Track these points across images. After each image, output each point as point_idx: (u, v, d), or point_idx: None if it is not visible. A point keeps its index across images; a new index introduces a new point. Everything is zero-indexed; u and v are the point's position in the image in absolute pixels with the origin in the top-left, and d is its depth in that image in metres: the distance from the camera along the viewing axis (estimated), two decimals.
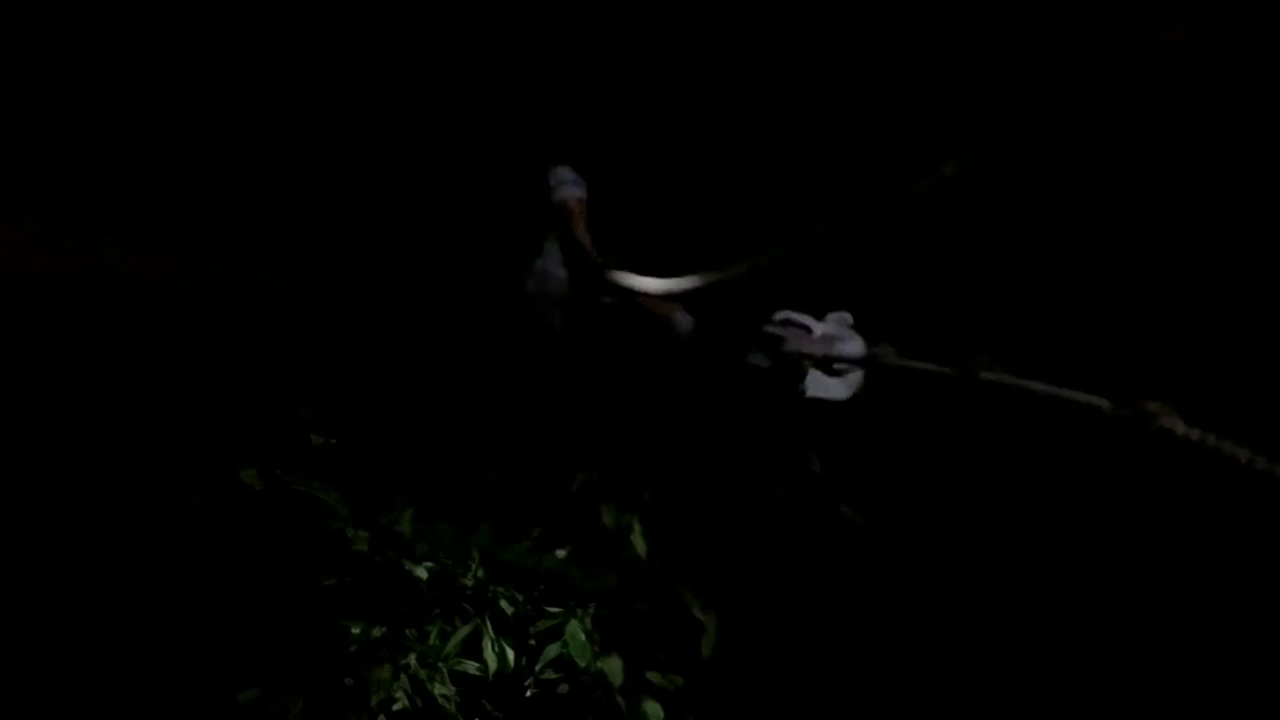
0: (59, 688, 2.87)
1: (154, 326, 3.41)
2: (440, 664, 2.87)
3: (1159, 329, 3.31)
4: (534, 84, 3.85)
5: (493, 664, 2.91)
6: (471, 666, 2.90)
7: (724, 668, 3.06)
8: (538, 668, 2.92)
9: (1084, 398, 1.86)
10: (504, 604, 2.99)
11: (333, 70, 3.81)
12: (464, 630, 2.93)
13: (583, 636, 2.93)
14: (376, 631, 2.89)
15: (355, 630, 2.88)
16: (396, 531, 3.02)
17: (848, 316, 2.79)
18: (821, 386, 2.77)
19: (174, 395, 3.27)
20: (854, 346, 2.79)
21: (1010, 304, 3.47)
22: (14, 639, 2.90)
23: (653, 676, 2.98)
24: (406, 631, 2.91)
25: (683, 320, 3.03)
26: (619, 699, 2.89)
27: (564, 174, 3.35)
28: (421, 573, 2.97)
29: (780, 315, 2.87)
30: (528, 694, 2.93)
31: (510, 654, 2.93)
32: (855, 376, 2.77)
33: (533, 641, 2.96)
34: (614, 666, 2.90)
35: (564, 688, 2.93)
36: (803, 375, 2.71)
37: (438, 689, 2.85)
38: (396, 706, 2.81)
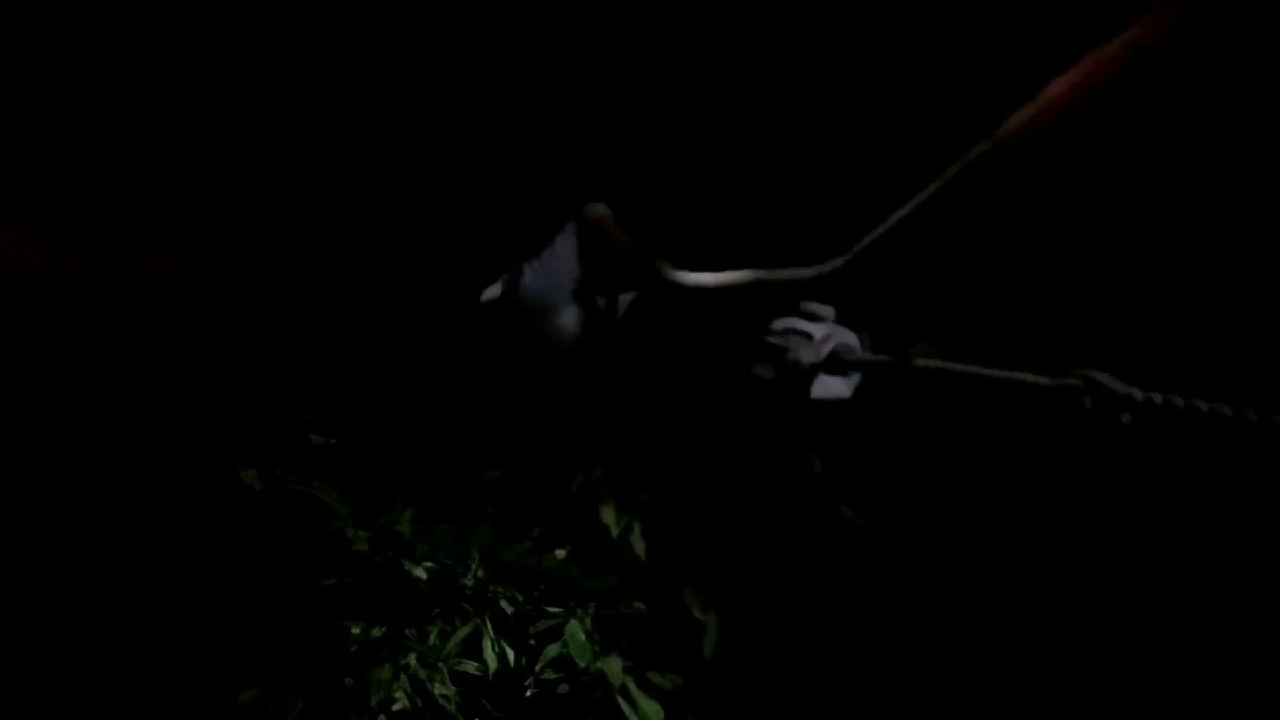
0: (59, 688, 2.87)
1: (154, 326, 3.41)
2: (440, 664, 2.87)
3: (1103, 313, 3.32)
4: (535, 88, 3.85)
5: (493, 664, 2.91)
6: (471, 666, 2.90)
7: (724, 668, 3.06)
8: (538, 668, 2.92)
9: (1032, 377, 1.87)
10: (504, 604, 2.99)
11: (333, 71, 3.81)
12: (464, 630, 2.93)
13: (583, 636, 2.93)
14: (376, 631, 2.89)
15: (355, 630, 2.88)
16: (396, 531, 3.02)
17: (831, 310, 2.81)
18: (824, 387, 2.78)
19: (174, 395, 3.27)
20: (849, 340, 2.81)
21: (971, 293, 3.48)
22: (14, 639, 2.90)
23: (653, 676, 2.98)
24: (406, 631, 2.91)
25: (668, 267, 3.04)
26: (619, 699, 2.89)
27: (595, 206, 3.40)
28: (421, 573, 2.97)
29: (780, 324, 2.88)
30: (528, 694, 2.93)
31: (510, 654, 2.93)
32: (855, 374, 2.79)
33: (533, 641, 2.96)
34: (614, 666, 2.90)
35: (564, 688, 2.93)
36: (808, 383, 2.72)
37: (438, 689, 2.85)
38: (396, 706, 2.80)
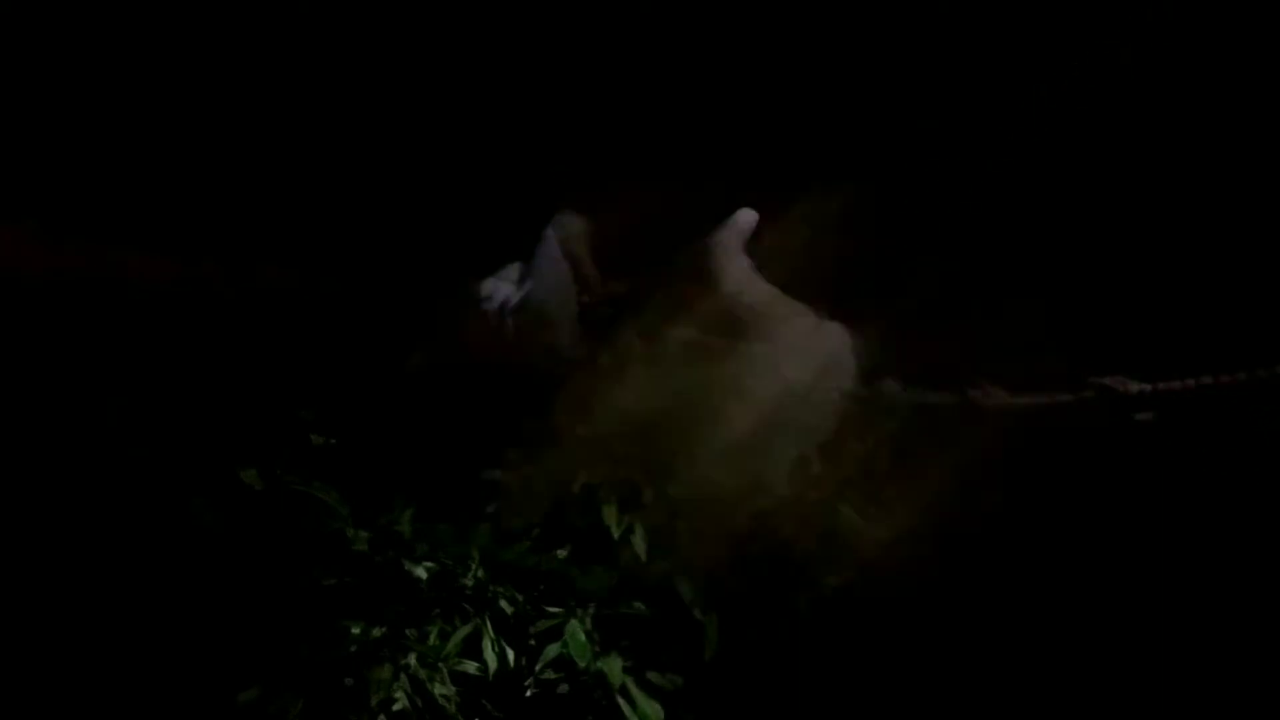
0: (60, 687, 2.87)
1: (154, 326, 3.41)
2: (440, 664, 2.87)
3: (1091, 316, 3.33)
4: (533, 89, 3.85)
5: (493, 664, 2.91)
6: (471, 666, 2.90)
7: (724, 668, 3.06)
8: (538, 668, 2.92)
9: (1046, 397, 1.91)
10: (504, 604, 2.99)
11: (333, 72, 3.81)
12: (464, 630, 2.92)
13: (583, 636, 2.93)
14: (376, 631, 2.89)
15: (355, 630, 2.88)
16: (396, 531, 3.02)
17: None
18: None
19: (174, 395, 3.27)
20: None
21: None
22: (15, 639, 2.90)
23: (653, 676, 2.97)
24: (406, 631, 2.90)
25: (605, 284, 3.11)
26: (619, 699, 2.89)
27: (567, 219, 3.44)
28: (421, 573, 2.97)
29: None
30: (528, 694, 2.93)
31: (510, 654, 2.93)
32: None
33: (533, 641, 2.96)
34: (614, 666, 2.90)
35: (564, 688, 2.93)
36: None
37: (438, 689, 2.85)
38: (396, 706, 2.80)
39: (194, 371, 3.34)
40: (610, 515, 3.10)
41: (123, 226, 3.52)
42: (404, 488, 3.13)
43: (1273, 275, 3.25)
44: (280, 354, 3.38)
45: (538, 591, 3.04)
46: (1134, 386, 1.76)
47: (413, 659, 2.86)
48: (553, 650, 2.92)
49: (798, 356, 2.94)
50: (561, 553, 3.10)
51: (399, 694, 2.81)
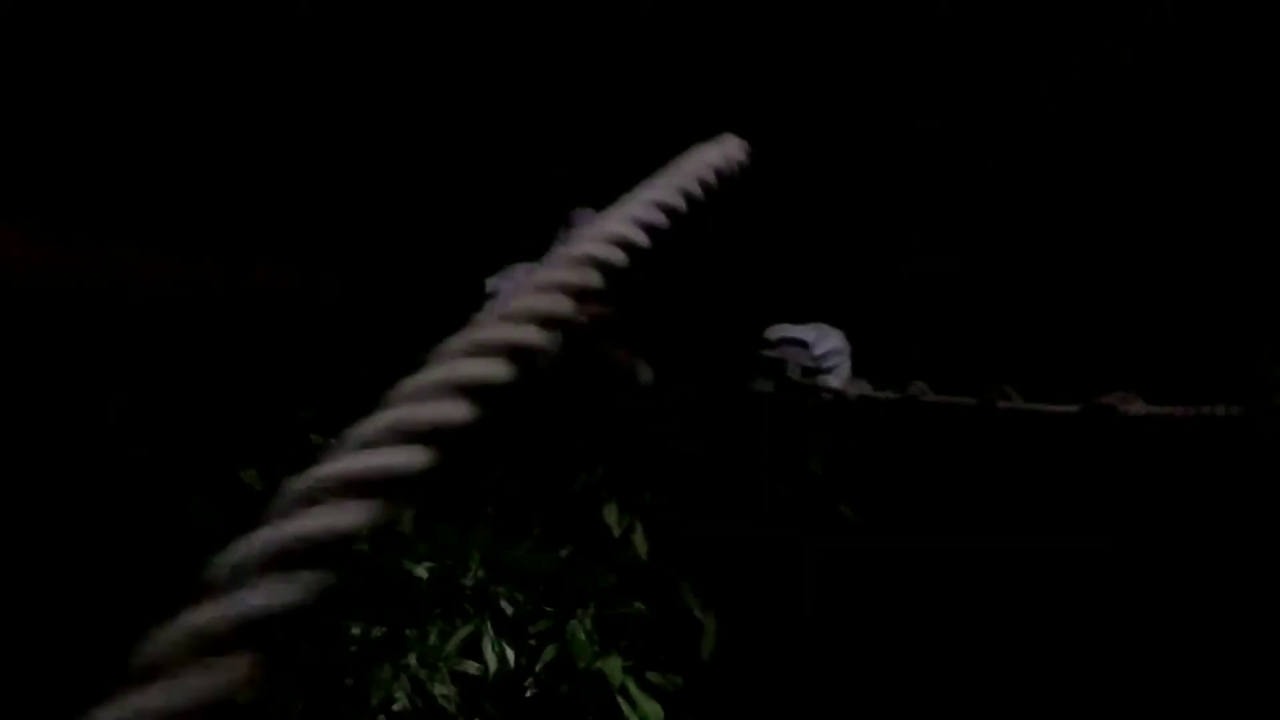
0: (60, 687, 2.87)
1: (154, 326, 3.41)
2: (440, 664, 2.87)
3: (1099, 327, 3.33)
4: (532, 89, 3.85)
5: (493, 664, 2.91)
6: (471, 666, 2.90)
7: (724, 668, 3.06)
8: (538, 668, 2.92)
9: (1055, 408, 1.92)
10: (504, 604, 2.99)
11: (333, 73, 3.81)
12: (464, 630, 2.92)
13: (583, 636, 2.93)
14: (376, 631, 2.89)
15: (355, 630, 2.88)
16: (397, 531, 3.02)
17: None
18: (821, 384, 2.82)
19: (174, 395, 3.27)
20: (836, 343, 2.85)
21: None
22: (14, 638, 2.90)
23: (653, 676, 2.97)
24: (406, 631, 2.90)
25: (644, 372, 3.11)
26: (619, 699, 2.89)
27: (585, 216, 3.40)
28: (421, 573, 2.97)
29: (774, 334, 2.91)
30: (528, 694, 2.93)
31: (510, 654, 2.93)
32: (845, 368, 2.83)
33: (533, 641, 2.96)
34: (614, 666, 2.90)
35: (564, 688, 2.93)
36: (813, 391, 2.77)
37: (438, 689, 2.85)
38: (396, 706, 2.80)
39: (194, 371, 3.34)
40: (610, 515, 3.10)
41: (123, 226, 3.52)
42: None
43: (1273, 275, 3.25)
44: (280, 354, 3.38)
45: (538, 591, 3.03)
46: (1136, 408, 1.75)
47: (413, 659, 2.86)
48: (552, 650, 2.92)
49: None
50: (561, 553, 3.10)
51: (399, 694, 2.81)
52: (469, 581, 2.99)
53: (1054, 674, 3.18)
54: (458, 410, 0.70)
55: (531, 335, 0.75)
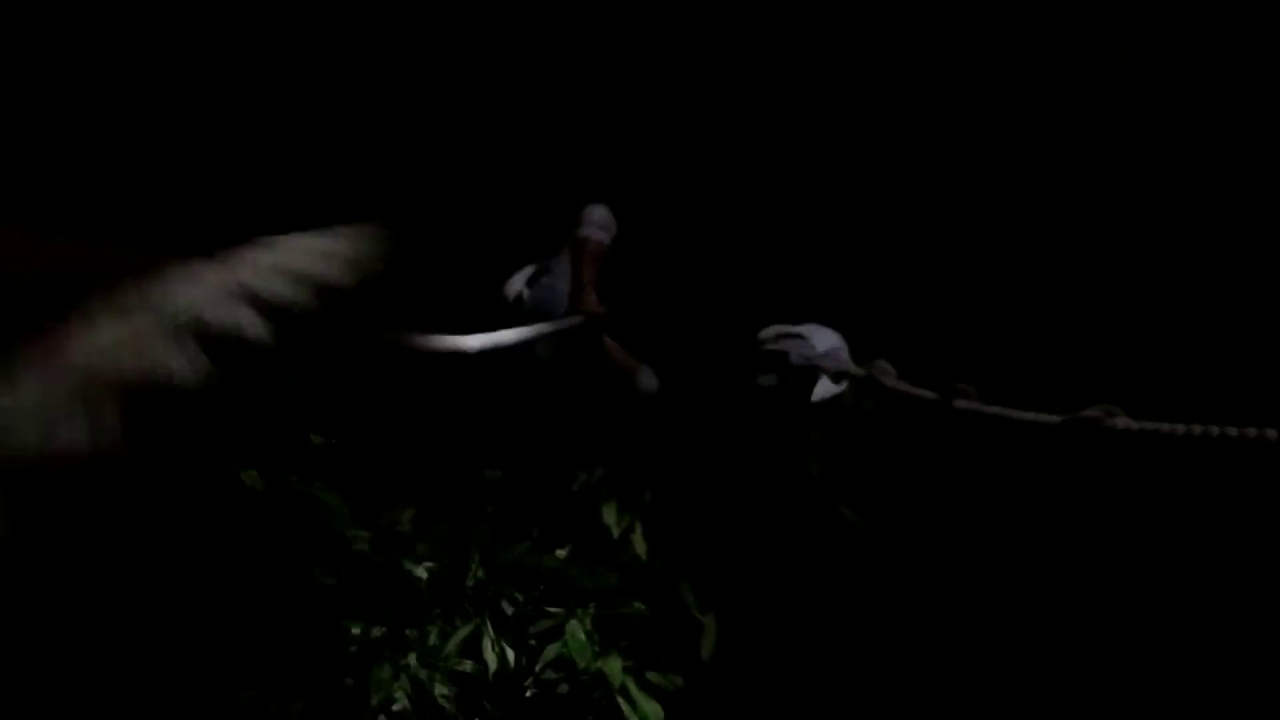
0: (61, 687, 2.87)
1: None
2: (440, 664, 2.86)
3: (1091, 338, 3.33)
4: (534, 90, 3.85)
5: (493, 664, 2.91)
6: (471, 666, 2.90)
7: (724, 668, 3.06)
8: (538, 668, 2.92)
9: (1035, 416, 1.92)
10: (504, 604, 2.99)
11: (334, 73, 3.81)
12: (464, 630, 2.92)
13: (583, 636, 2.93)
14: (376, 631, 2.89)
15: (355, 630, 2.88)
16: (396, 531, 3.02)
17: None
18: (823, 389, 2.82)
19: (173, 395, 3.26)
20: (833, 342, 2.86)
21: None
22: (15, 638, 2.89)
23: (653, 676, 2.97)
24: (406, 631, 2.90)
25: (647, 378, 3.12)
26: (619, 699, 2.89)
27: (598, 214, 3.39)
28: (421, 573, 2.96)
29: (773, 331, 2.92)
30: (528, 694, 2.93)
31: (510, 654, 2.93)
32: (845, 363, 2.85)
33: (533, 641, 2.96)
34: (614, 666, 2.90)
35: (564, 688, 2.93)
36: (813, 383, 2.77)
37: (438, 689, 2.84)
38: (396, 706, 2.80)
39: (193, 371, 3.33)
40: (610, 515, 3.10)
41: (123, 226, 3.52)
42: (404, 488, 3.13)
43: (1273, 273, 3.25)
44: (280, 353, 3.37)
45: (538, 591, 3.03)
46: (1120, 422, 1.75)
47: (413, 659, 2.86)
48: (553, 650, 2.92)
49: None
50: (561, 553, 3.10)
51: (399, 694, 2.81)
52: (469, 581, 2.99)
53: (1054, 674, 3.18)
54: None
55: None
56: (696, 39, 3.80)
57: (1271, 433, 1.49)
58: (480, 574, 3.00)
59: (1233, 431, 1.55)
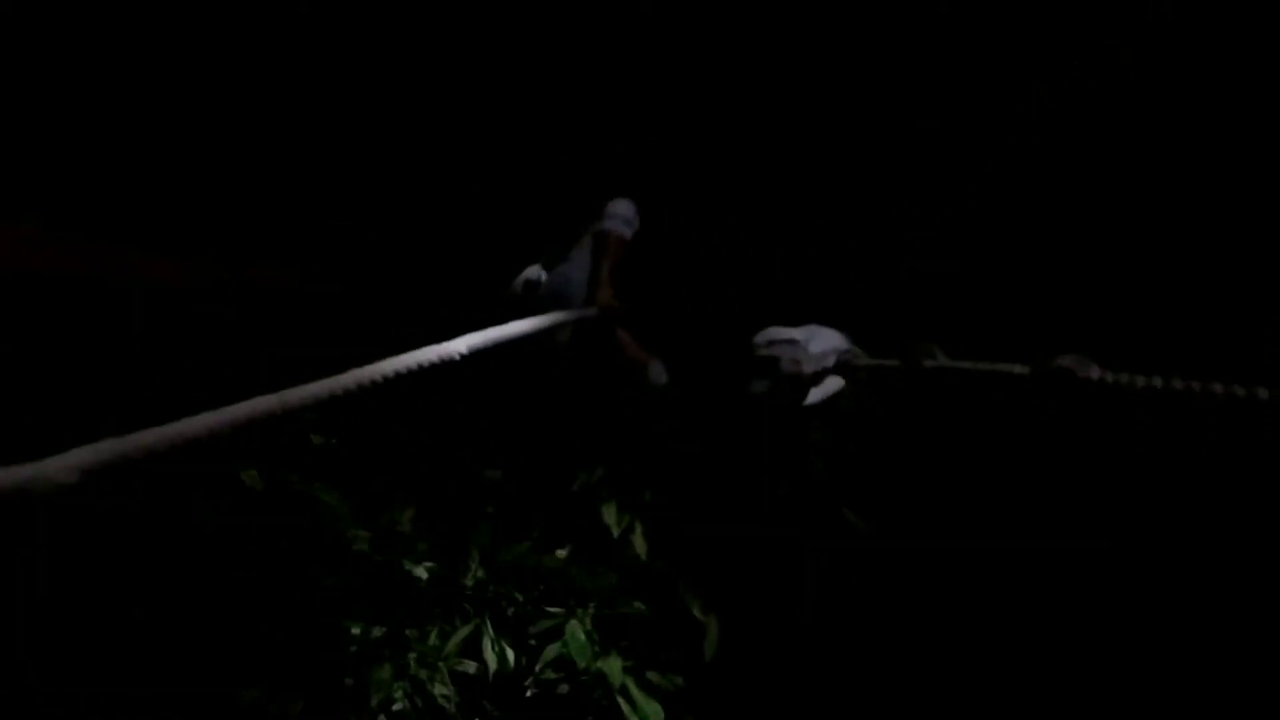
0: (61, 687, 2.87)
1: (154, 326, 3.41)
2: (440, 664, 2.86)
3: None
4: (530, 87, 3.85)
5: (493, 664, 2.91)
6: (471, 666, 2.90)
7: (724, 668, 3.06)
8: (538, 668, 2.92)
9: (1007, 367, 1.91)
10: (504, 604, 2.99)
11: (333, 73, 3.81)
12: (464, 630, 2.92)
13: (583, 636, 2.92)
14: (376, 631, 2.89)
15: (355, 630, 2.88)
16: (396, 531, 3.02)
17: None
18: (818, 391, 2.82)
19: (174, 395, 3.27)
20: (834, 341, 2.85)
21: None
22: (15, 638, 2.89)
23: (653, 676, 2.97)
24: (406, 631, 2.90)
25: (657, 372, 3.12)
26: (619, 699, 2.89)
27: (622, 207, 3.40)
28: (421, 573, 2.97)
29: (766, 336, 2.92)
30: (528, 694, 2.93)
31: (510, 654, 2.93)
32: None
33: (533, 641, 2.96)
34: (614, 666, 2.90)
35: (564, 688, 2.93)
36: (805, 389, 2.77)
37: (438, 689, 2.84)
38: (396, 706, 2.80)
39: (194, 371, 3.34)
40: (610, 515, 3.10)
41: (123, 226, 3.52)
42: (404, 488, 3.13)
43: (1273, 273, 3.25)
44: (280, 354, 3.38)
45: (538, 591, 3.03)
46: (1094, 372, 1.75)
47: (413, 659, 2.86)
48: (553, 650, 2.92)
49: None
50: (561, 553, 3.10)
51: (399, 694, 2.81)
52: (469, 581, 2.99)
53: (1054, 674, 3.18)
54: None
55: None
56: (697, 39, 3.80)
57: (1239, 389, 1.50)
58: (480, 574, 3.00)
59: (1196, 386, 1.55)
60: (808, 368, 2.80)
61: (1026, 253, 3.54)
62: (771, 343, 2.90)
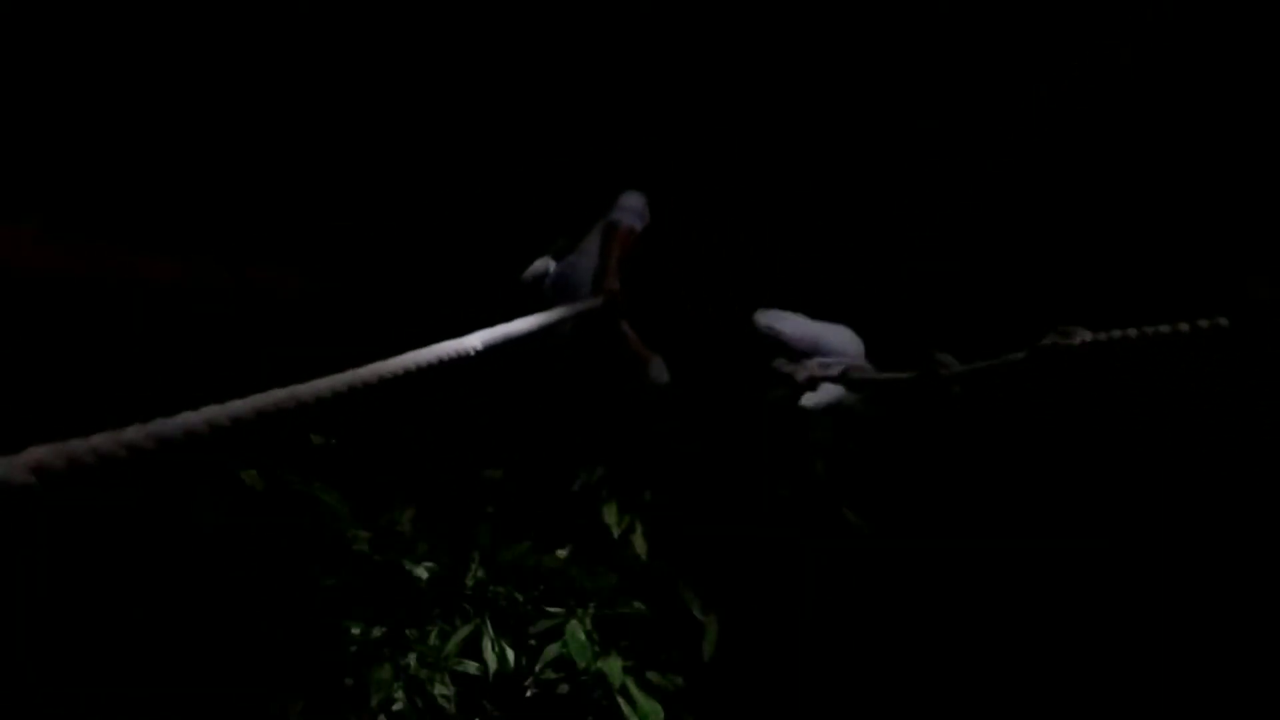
0: (61, 687, 2.87)
1: (155, 326, 3.41)
2: (440, 664, 2.86)
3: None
4: (529, 87, 3.85)
5: (493, 664, 2.90)
6: (471, 666, 2.90)
7: (724, 668, 3.06)
8: (538, 668, 2.92)
9: (1004, 356, 1.95)
10: (504, 604, 2.99)
11: (333, 73, 3.81)
12: (464, 630, 2.92)
13: (583, 636, 2.92)
14: (376, 631, 2.88)
15: (355, 630, 2.88)
16: (396, 531, 3.02)
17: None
18: (825, 394, 2.83)
19: (174, 395, 3.27)
20: (845, 343, 2.85)
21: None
22: (15, 638, 2.90)
23: (653, 676, 2.97)
24: (406, 631, 2.90)
25: (658, 370, 3.12)
26: (619, 699, 2.88)
27: (632, 200, 3.40)
28: (421, 573, 2.96)
29: (767, 318, 2.92)
30: (528, 694, 2.93)
31: (510, 654, 2.93)
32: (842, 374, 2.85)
33: (533, 641, 2.96)
34: (614, 666, 2.90)
35: (564, 688, 2.93)
36: (800, 392, 2.78)
37: (438, 689, 2.84)
38: (396, 706, 2.80)
39: (194, 371, 3.34)
40: (610, 515, 3.10)
41: (123, 226, 3.52)
42: (404, 488, 3.13)
43: (1273, 273, 3.25)
44: (280, 354, 3.38)
45: (538, 591, 3.03)
46: (1078, 337, 1.78)
47: (413, 659, 2.86)
48: (553, 650, 2.92)
49: None
50: (561, 553, 3.10)
51: (399, 694, 2.81)
52: (469, 581, 2.99)
53: (1054, 674, 3.18)
54: None
55: None
56: (698, 40, 3.80)
57: (1222, 320, 1.53)
58: (480, 574, 3.00)
59: (1184, 327, 1.58)
60: (801, 374, 2.81)
61: (1027, 252, 3.54)
62: (765, 335, 2.91)
